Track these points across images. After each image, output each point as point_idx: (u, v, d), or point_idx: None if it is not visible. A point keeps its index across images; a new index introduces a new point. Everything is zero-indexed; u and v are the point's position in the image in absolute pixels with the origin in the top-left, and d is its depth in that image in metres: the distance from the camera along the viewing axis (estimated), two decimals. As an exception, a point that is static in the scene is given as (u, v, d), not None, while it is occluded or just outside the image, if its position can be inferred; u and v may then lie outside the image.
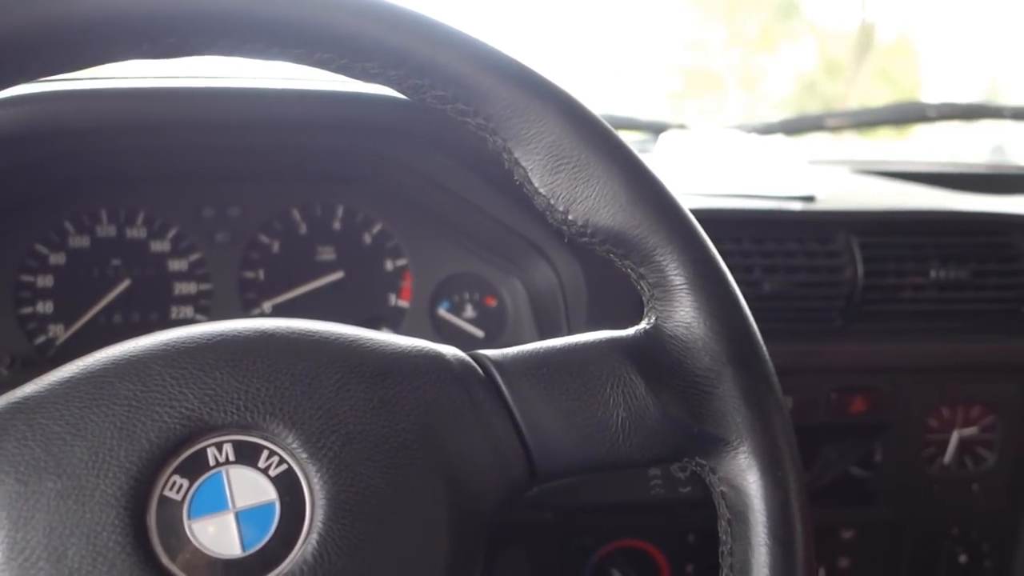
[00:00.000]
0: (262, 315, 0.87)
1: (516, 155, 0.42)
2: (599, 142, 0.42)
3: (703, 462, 0.43)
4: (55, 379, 0.37)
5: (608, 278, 0.81)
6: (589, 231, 0.42)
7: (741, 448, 0.41)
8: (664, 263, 0.42)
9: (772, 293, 0.86)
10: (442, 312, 0.92)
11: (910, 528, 0.97)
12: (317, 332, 0.40)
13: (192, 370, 0.37)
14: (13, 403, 0.37)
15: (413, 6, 0.41)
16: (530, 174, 0.43)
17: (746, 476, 0.41)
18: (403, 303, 0.91)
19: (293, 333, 0.40)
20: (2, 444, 0.35)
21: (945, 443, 0.94)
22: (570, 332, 0.83)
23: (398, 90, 0.42)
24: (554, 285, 0.85)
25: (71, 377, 0.37)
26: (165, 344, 0.38)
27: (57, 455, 0.35)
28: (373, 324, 0.90)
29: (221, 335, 0.39)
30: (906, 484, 0.95)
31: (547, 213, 0.43)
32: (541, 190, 0.43)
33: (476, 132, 0.43)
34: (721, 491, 0.42)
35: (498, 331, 0.92)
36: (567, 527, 0.86)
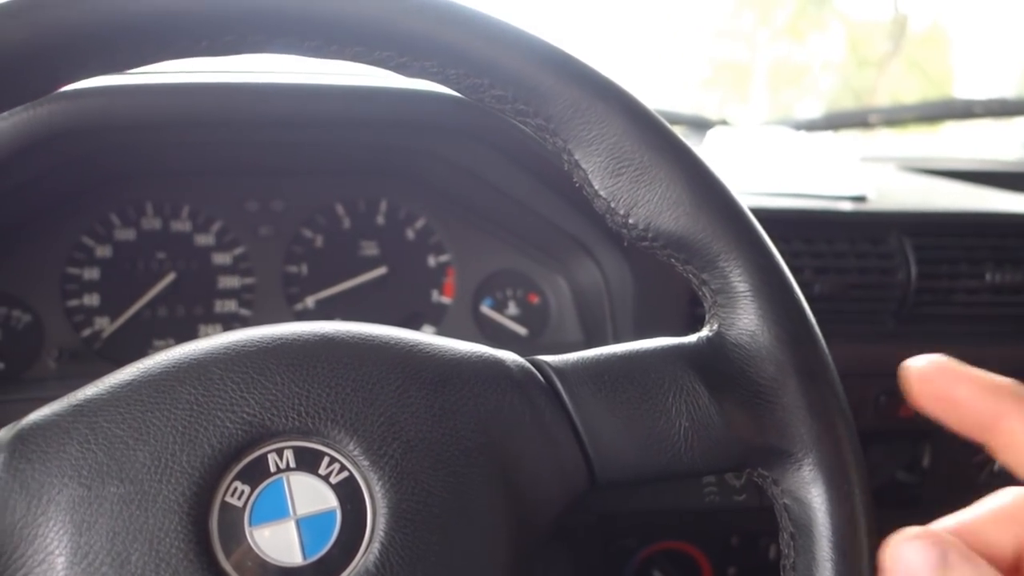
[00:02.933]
0: (305, 310, 0.87)
1: (576, 157, 0.42)
2: (662, 144, 0.41)
3: (765, 473, 0.42)
4: (116, 381, 0.37)
5: (656, 278, 0.80)
6: (650, 235, 0.41)
7: (806, 460, 0.40)
8: (728, 269, 0.41)
9: (822, 294, 0.84)
10: (485, 309, 0.91)
11: (957, 535, 0.95)
12: (377, 337, 0.40)
13: (253, 375, 0.37)
14: (75, 405, 0.36)
15: (470, 3, 0.40)
16: (590, 176, 0.42)
17: (810, 489, 0.40)
18: (446, 299, 0.90)
19: (354, 338, 0.39)
20: (65, 448, 0.35)
21: (996, 450, 0.92)
22: (615, 331, 0.83)
23: (456, 89, 0.41)
24: (599, 284, 0.85)
25: (132, 380, 0.37)
26: (226, 347, 0.38)
27: (120, 459, 0.34)
28: (415, 320, 0.90)
29: (282, 339, 0.39)
30: (954, 491, 0.93)
31: (607, 216, 0.42)
32: (601, 193, 0.41)
33: (535, 133, 0.42)
34: (784, 503, 0.41)
35: (541, 329, 0.92)
36: (610, 528, 0.86)
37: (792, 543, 0.41)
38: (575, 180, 0.42)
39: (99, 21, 0.36)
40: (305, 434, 0.36)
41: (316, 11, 0.38)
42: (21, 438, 0.36)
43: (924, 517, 0.93)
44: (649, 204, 0.41)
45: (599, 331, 0.85)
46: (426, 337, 0.41)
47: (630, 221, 0.41)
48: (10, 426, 0.37)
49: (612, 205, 0.41)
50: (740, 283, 0.41)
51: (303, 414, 0.37)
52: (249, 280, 0.86)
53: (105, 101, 0.67)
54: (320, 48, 0.40)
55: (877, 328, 0.88)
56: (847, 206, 0.89)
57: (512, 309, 0.91)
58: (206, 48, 0.39)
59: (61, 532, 0.34)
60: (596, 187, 0.41)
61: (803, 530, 0.40)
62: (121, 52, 0.37)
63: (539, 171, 0.79)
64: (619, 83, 0.42)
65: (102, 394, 0.37)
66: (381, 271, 0.89)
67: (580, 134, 0.41)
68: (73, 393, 0.37)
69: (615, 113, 0.40)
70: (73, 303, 0.82)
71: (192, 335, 0.84)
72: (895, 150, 1.51)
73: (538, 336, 0.91)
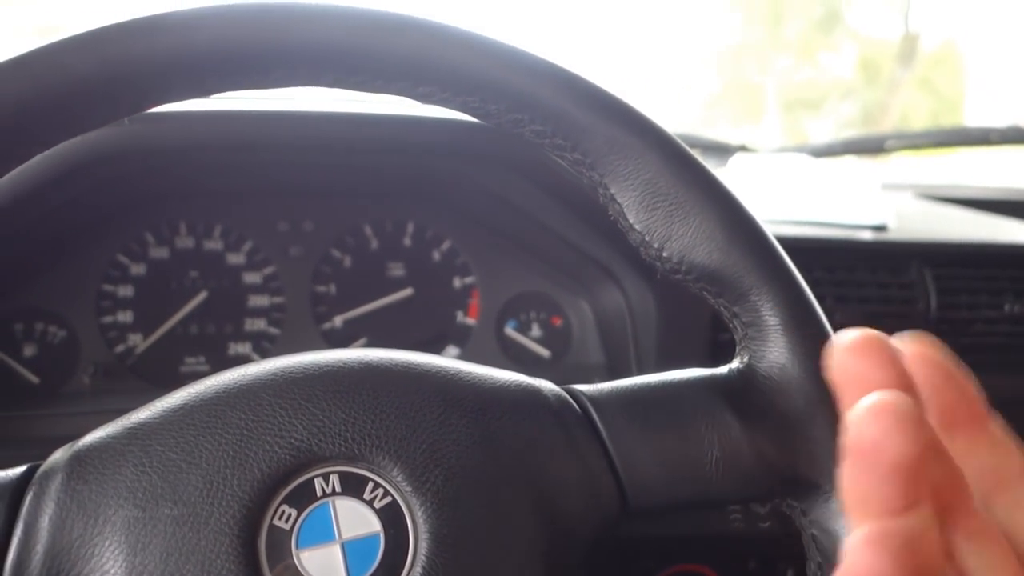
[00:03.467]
0: (333, 329, 0.89)
1: (612, 191, 0.43)
2: (696, 180, 0.42)
3: (794, 504, 0.43)
4: (168, 405, 0.38)
5: (679, 304, 0.81)
6: (684, 268, 0.43)
7: (835, 492, 0.41)
8: (759, 303, 0.42)
9: (843, 324, 0.85)
10: (509, 331, 0.92)
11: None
12: (419, 365, 0.41)
13: (300, 401, 0.38)
14: (129, 428, 0.38)
15: (496, 34, 0.42)
16: (626, 210, 0.43)
17: (839, 521, 0.41)
18: (470, 321, 0.92)
19: (396, 366, 0.41)
20: (120, 470, 0.36)
21: (1014, 479, 0.93)
22: (637, 355, 0.84)
23: (494, 123, 0.43)
24: (622, 308, 0.86)
25: (184, 404, 0.38)
26: (274, 374, 0.39)
27: (173, 482, 0.36)
28: (440, 341, 0.91)
29: (328, 366, 0.40)
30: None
31: (641, 249, 0.43)
32: (636, 226, 0.43)
33: (572, 167, 0.44)
34: (812, 534, 0.42)
35: (564, 351, 0.93)
36: (628, 549, 0.86)
37: (820, 573, 0.42)
38: (610, 214, 0.43)
39: (161, 55, 0.37)
40: (351, 459, 0.38)
41: (362, 47, 0.39)
42: (78, 459, 0.37)
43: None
44: (683, 238, 0.42)
45: (622, 355, 0.86)
46: (466, 365, 0.43)
47: (664, 255, 0.42)
48: (67, 447, 0.38)
49: (646, 239, 0.43)
50: (771, 317, 0.42)
51: (349, 440, 0.38)
52: (279, 299, 0.88)
53: (147, 128, 0.69)
54: (366, 82, 0.41)
55: None
56: (868, 235, 0.89)
57: (535, 331, 0.93)
58: (258, 81, 0.40)
59: (116, 552, 0.35)
60: (631, 221, 0.43)
61: (831, 561, 0.41)
62: (180, 85, 0.39)
63: (564, 196, 0.80)
64: (654, 120, 0.43)
65: (155, 418, 0.38)
66: (407, 292, 0.90)
67: (616, 169, 0.42)
68: (127, 416, 0.39)
69: (650, 149, 0.42)
70: (107, 319, 0.83)
71: (222, 353, 0.86)
72: (912, 177, 1.51)
73: (561, 358, 0.92)
